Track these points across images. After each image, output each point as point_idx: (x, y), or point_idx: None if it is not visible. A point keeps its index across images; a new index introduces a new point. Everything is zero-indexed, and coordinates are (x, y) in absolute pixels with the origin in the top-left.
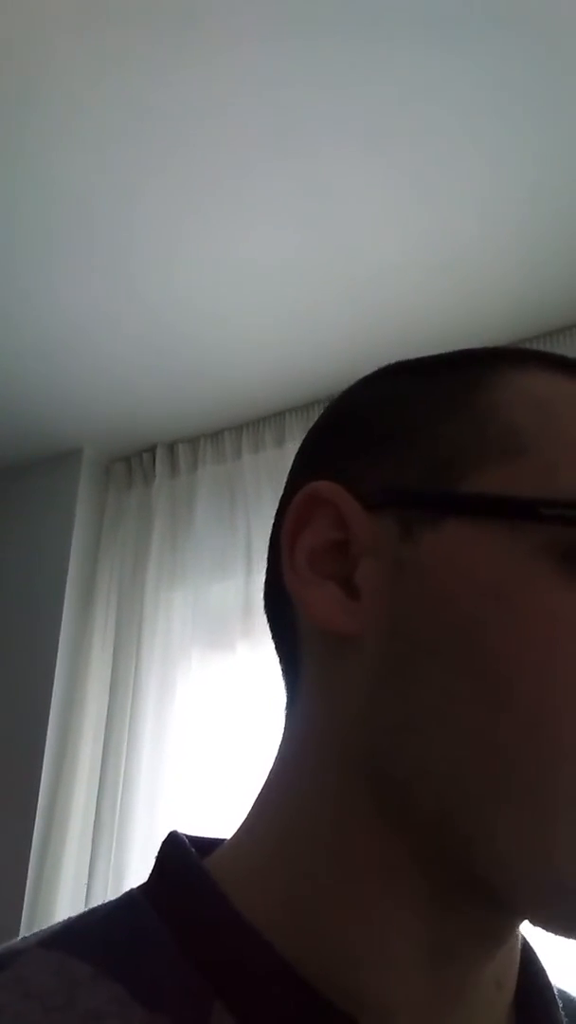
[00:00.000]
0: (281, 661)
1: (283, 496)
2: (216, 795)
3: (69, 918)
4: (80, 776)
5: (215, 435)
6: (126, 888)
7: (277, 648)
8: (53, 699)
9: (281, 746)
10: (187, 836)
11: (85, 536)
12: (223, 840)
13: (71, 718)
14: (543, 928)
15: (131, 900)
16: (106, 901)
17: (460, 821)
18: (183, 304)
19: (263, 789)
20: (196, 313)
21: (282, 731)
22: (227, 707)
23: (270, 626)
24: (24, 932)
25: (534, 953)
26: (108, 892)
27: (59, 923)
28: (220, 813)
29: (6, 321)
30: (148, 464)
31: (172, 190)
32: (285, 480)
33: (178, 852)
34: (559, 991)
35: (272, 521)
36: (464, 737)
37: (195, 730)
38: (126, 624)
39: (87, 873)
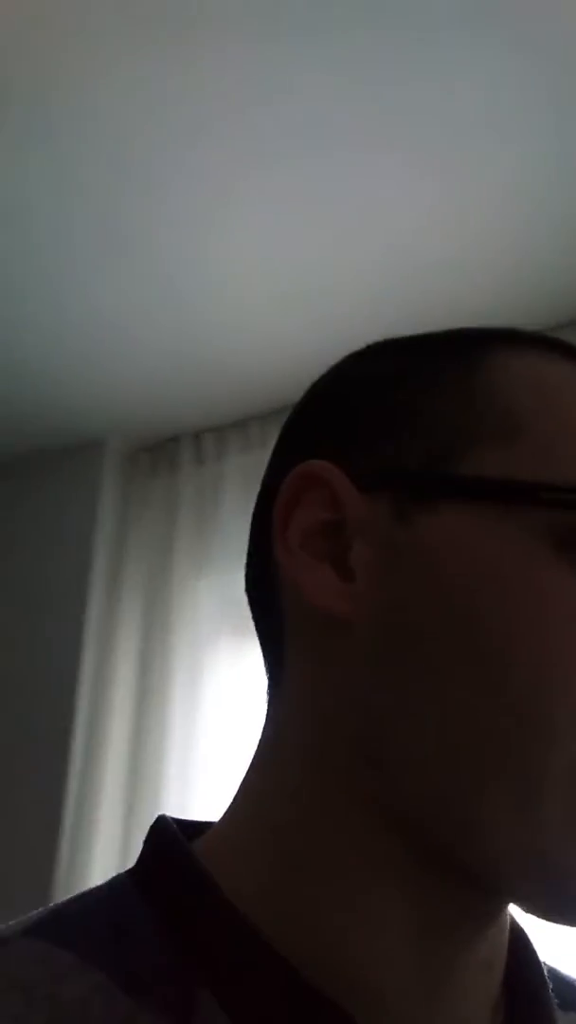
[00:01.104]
0: (263, 644)
1: (267, 475)
2: None
3: (55, 904)
4: (111, 770)
5: (241, 424)
6: None
7: (259, 631)
8: (79, 690)
9: (264, 728)
10: (175, 820)
11: (110, 526)
12: (211, 823)
13: (98, 710)
14: (530, 913)
15: (118, 885)
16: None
17: (451, 806)
18: (210, 294)
19: (247, 772)
20: (223, 303)
21: (265, 714)
22: (256, 694)
23: (251, 608)
24: None
25: (524, 932)
26: None
27: (44, 909)
28: None
29: (32, 313)
30: (173, 454)
31: (199, 183)
32: None
33: (166, 836)
34: (550, 970)
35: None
36: (457, 722)
37: (225, 718)
38: (153, 613)
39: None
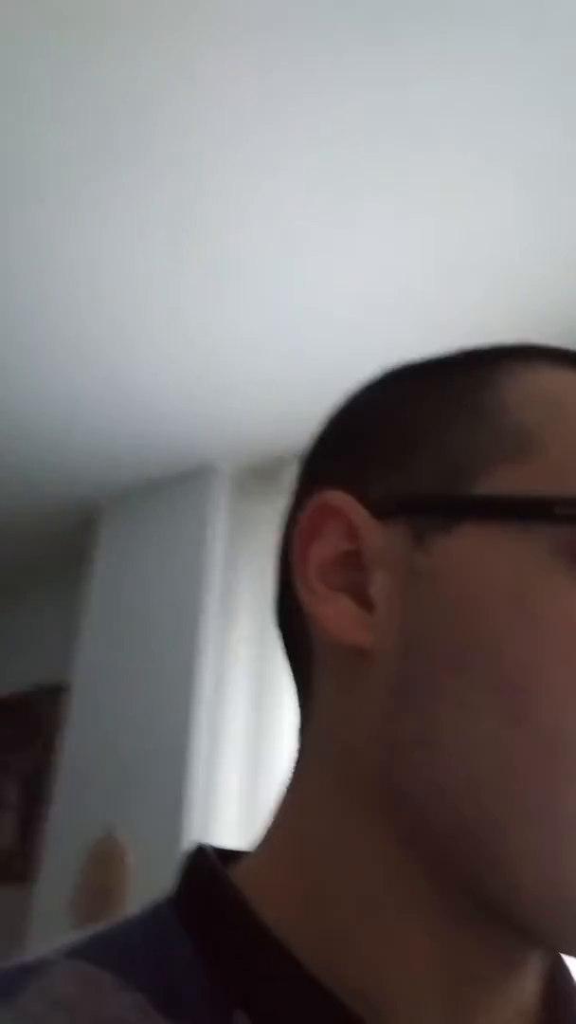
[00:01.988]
0: (294, 677)
1: (290, 507)
2: None
3: (97, 928)
4: (228, 794)
5: None
6: None
7: (290, 664)
8: (197, 710)
9: (296, 761)
10: (213, 847)
11: (223, 548)
12: (246, 852)
13: (215, 731)
14: (560, 951)
15: (156, 911)
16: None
17: (476, 840)
18: (316, 319)
19: (279, 804)
20: (329, 327)
21: (296, 748)
22: None
23: (281, 642)
24: None
25: (565, 967)
26: None
27: (86, 933)
28: None
29: (147, 343)
30: (281, 477)
31: (303, 210)
32: None
33: (203, 863)
34: None
35: None
36: (481, 752)
37: None
38: (268, 631)
39: None
